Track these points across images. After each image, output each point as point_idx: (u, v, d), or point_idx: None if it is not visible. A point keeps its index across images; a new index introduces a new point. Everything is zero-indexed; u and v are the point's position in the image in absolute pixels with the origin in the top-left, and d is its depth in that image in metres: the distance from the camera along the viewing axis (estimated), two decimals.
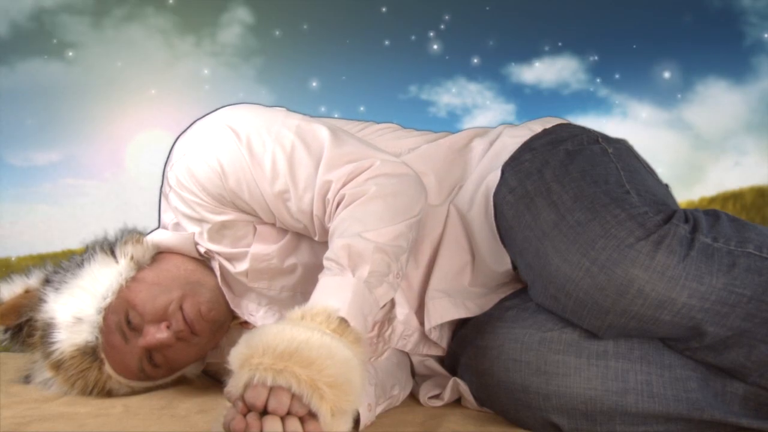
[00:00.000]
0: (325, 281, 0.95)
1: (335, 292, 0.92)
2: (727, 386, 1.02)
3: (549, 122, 1.24)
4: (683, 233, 0.96)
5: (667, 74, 2.56)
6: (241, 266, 1.18)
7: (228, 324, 1.24)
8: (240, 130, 1.10)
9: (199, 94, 2.57)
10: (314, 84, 2.56)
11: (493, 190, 1.13)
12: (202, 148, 1.10)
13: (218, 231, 1.16)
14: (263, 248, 1.17)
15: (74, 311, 1.14)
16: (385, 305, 1.06)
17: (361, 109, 2.59)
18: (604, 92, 2.66)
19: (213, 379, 1.35)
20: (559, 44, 2.62)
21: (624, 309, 0.95)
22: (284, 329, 0.82)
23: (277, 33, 2.60)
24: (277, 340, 0.80)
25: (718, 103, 2.59)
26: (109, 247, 1.20)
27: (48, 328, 1.15)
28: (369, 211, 1.01)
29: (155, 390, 1.24)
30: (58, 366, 1.15)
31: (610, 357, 1.03)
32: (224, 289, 1.21)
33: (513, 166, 1.12)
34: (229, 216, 1.14)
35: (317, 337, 0.81)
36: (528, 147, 1.15)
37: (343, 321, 0.87)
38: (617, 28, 2.60)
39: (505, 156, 1.15)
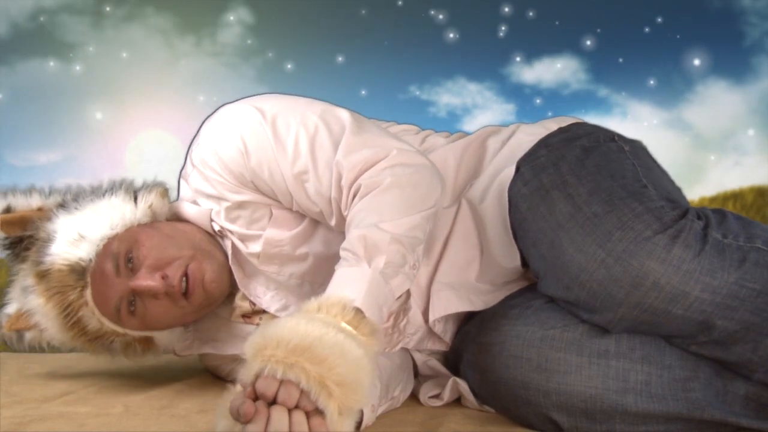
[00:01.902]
0: (341, 272, 0.95)
1: (351, 282, 0.92)
2: (728, 386, 1.02)
3: (564, 121, 1.24)
4: (698, 228, 0.97)
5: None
6: (254, 247, 1.18)
7: (214, 307, 1.23)
8: (266, 110, 1.11)
9: (199, 95, 2.57)
10: (315, 82, 2.57)
11: (507, 184, 1.13)
12: (228, 127, 1.12)
13: (235, 210, 1.16)
14: (277, 234, 1.17)
15: (80, 228, 1.13)
16: (400, 296, 1.06)
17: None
18: (604, 92, 2.66)
19: (213, 378, 1.35)
20: (559, 45, 2.63)
21: (638, 301, 0.96)
22: (299, 324, 0.82)
23: (277, 33, 2.60)
24: (291, 335, 0.80)
25: (718, 103, 2.59)
26: (133, 190, 1.20)
27: (47, 241, 1.14)
28: (385, 201, 1.01)
29: (154, 390, 1.25)
30: (43, 275, 1.13)
31: (611, 356, 1.03)
32: (234, 268, 1.20)
33: (528, 161, 1.13)
34: (246, 196, 1.14)
35: (331, 335, 0.81)
36: (544, 143, 1.15)
37: (358, 312, 0.87)
38: (618, 27, 2.60)
39: (520, 153, 1.16)
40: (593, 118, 2.72)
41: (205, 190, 1.17)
